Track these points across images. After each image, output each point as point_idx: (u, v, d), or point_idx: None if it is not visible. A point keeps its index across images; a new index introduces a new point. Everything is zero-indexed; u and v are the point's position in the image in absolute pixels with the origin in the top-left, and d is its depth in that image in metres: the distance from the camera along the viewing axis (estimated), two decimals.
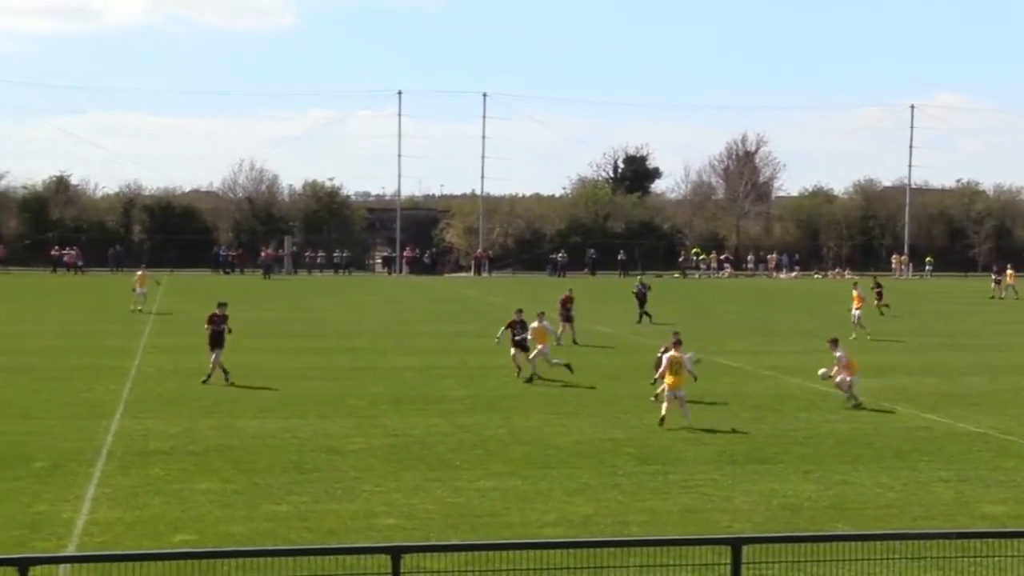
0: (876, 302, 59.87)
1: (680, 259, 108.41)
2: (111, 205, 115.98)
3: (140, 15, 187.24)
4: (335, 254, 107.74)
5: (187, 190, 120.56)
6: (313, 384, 34.07)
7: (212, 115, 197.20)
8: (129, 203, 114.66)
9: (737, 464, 23.92)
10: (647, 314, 54.97)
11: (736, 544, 10.16)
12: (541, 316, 37.01)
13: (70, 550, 17.50)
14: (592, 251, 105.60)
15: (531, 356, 35.11)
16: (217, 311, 34.01)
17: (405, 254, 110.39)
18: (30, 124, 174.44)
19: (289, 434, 26.34)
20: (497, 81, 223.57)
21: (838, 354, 30.66)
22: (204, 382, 32.95)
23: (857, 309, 50.14)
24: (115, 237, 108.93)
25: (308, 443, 25.38)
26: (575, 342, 44.42)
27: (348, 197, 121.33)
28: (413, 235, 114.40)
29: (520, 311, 36.96)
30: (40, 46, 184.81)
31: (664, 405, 27.69)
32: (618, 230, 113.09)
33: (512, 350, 35.65)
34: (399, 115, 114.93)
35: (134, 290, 59.15)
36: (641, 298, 55.82)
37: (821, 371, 31.53)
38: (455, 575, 14.69)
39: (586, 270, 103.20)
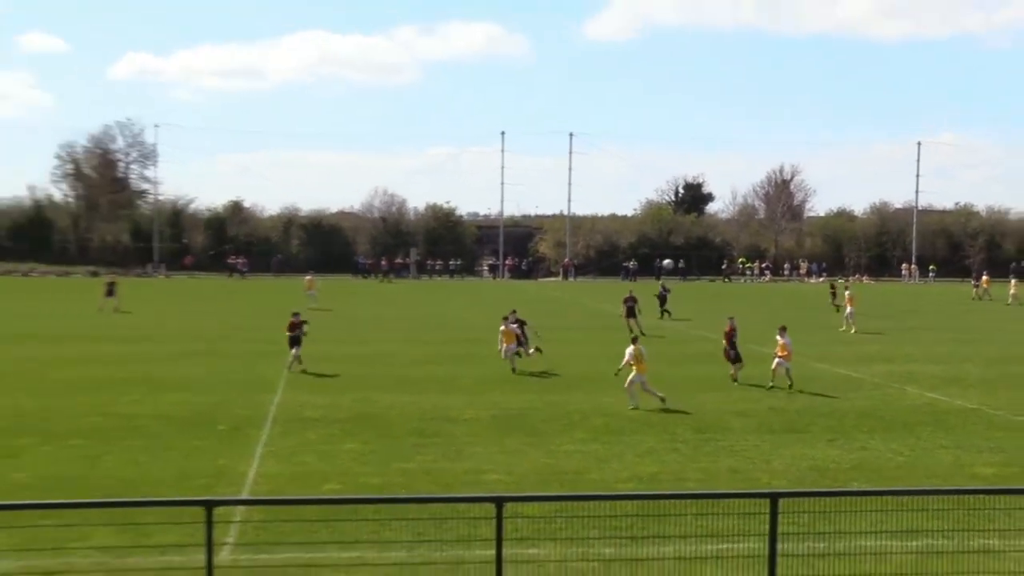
0: (830, 300, 60.57)
1: (723, 266, 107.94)
2: (274, 223, 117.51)
3: (300, 73, 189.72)
4: (450, 262, 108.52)
5: (334, 211, 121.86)
6: (433, 367, 34.25)
7: (354, 152, 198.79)
8: (288, 222, 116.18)
9: (774, 433, 23.73)
10: (667, 311, 54.58)
11: (774, 497, 10.11)
12: (507, 318, 34.93)
13: (244, 495, 17.81)
14: (665, 260, 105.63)
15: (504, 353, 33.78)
16: (293, 319, 33.24)
17: (506, 262, 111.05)
18: (213, 160, 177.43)
19: (414, 406, 26.51)
20: (581, 121, 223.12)
21: (783, 341, 29.88)
22: (289, 369, 32.16)
23: (849, 306, 49.36)
24: (277, 249, 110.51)
25: (429, 413, 25.54)
26: (642, 333, 44.19)
27: (461, 217, 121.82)
28: (513, 247, 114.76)
29: (514, 311, 35.65)
30: (222, 98, 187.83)
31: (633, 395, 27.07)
32: (679, 243, 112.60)
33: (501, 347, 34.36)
34: (502, 151, 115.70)
35: (306, 291, 59.89)
36: (662, 299, 55.27)
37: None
38: (546, 519, 14.74)
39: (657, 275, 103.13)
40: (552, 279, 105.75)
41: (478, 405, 26.83)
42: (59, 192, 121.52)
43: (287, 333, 33.19)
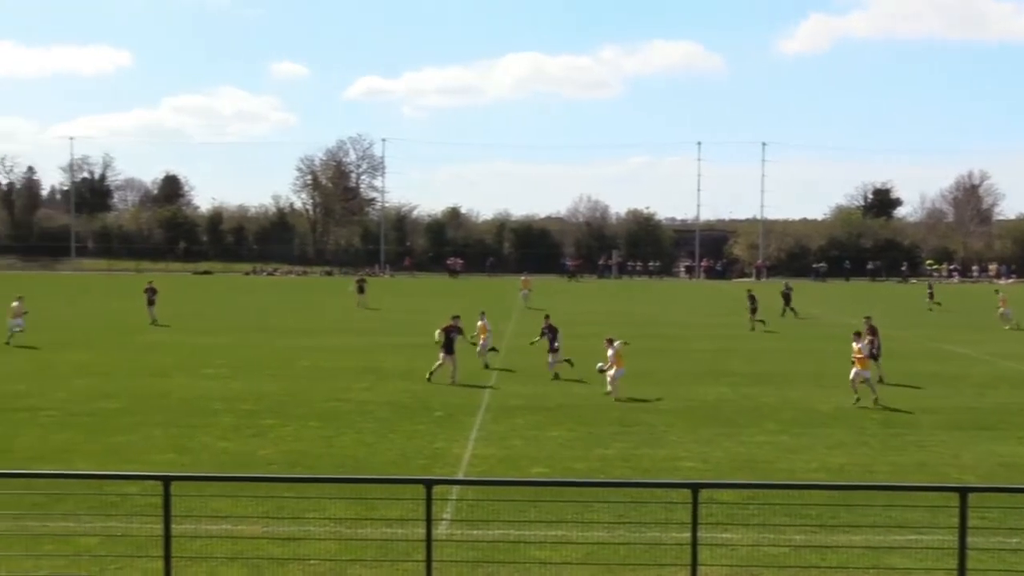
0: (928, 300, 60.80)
1: (903, 268, 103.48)
2: (488, 228, 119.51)
3: (514, 90, 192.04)
4: (649, 264, 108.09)
5: (542, 216, 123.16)
6: (632, 361, 34.04)
7: (561, 162, 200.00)
8: (501, 226, 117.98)
9: (963, 429, 22.63)
10: (792, 310, 53.35)
11: (963, 492, 9.65)
12: (482, 315, 34.14)
13: (460, 475, 18.07)
14: (820, 264, 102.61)
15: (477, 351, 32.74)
16: (452, 322, 30.47)
17: (702, 264, 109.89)
18: (434, 170, 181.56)
19: (614, 397, 26.44)
20: (773, 130, 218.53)
21: (857, 346, 26.61)
22: (427, 379, 28.88)
23: (1004, 308, 48.07)
24: (490, 251, 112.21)
25: (628, 404, 25.43)
26: (759, 324, 45.18)
27: (660, 221, 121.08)
28: (708, 249, 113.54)
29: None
30: (442, 114, 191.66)
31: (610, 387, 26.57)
32: (867, 246, 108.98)
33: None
34: (698, 159, 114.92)
35: (520, 291, 60.55)
36: (786, 297, 54.26)
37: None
38: (739, 506, 14.50)
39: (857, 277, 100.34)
40: (745, 279, 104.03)
41: (674, 397, 26.57)
42: (299, 201, 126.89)
43: (440, 335, 29.84)
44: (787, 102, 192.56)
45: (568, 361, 30.72)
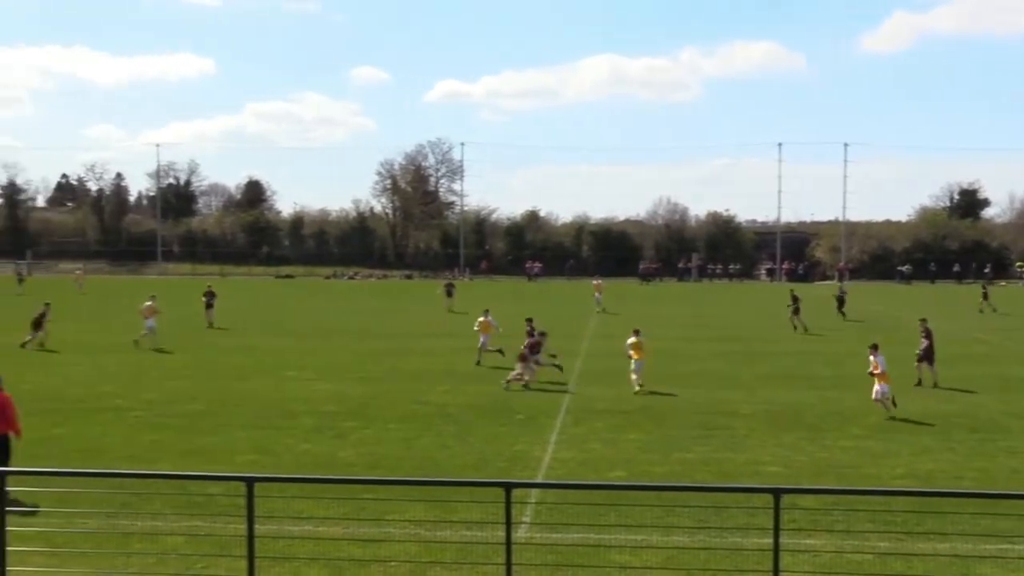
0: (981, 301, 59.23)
1: (986, 270, 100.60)
2: (567, 231, 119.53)
3: (592, 93, 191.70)
4: (729, 266, 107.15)
5: (621, 219, 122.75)
6: (712, 363, 33.85)
7: (640, 164, 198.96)
8: (580, 229, 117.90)
9: None
10: (843, 313, 53.00)
11: None
12: (486, 312, 34.99)
13: (539, 479, 18.09)
14: (905, 266, 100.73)
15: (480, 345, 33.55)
16: (529, 329, 31.62)
17: (783, 266, 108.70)
18: (512, 173, 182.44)
19: (695, 401, 26.26)
20: (855, 131, 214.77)
21: (875, 359, 24.87)
22: (525, 386, 28.26)
23: None
24: (569, 254, 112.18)
25: (709, 407, 25.23)
26: (806, 330, 44.71)
27: (740, 224, 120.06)
28: (790, 252, 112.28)
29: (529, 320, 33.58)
30: (521, 117, 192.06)
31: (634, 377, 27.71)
32: (953, 248, 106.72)
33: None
34: (779, 161, 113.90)
35: (594, 295, 60.36)
36: (840, 300, 54.11)
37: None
38: (822, 511, 14.30)
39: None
40: (827, 282, 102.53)
41: (756, 400, 26.29)
42: (379, 205, 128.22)
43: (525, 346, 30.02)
44: (870, 101, 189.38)
45: (558, 367, 30.46)
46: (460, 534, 13.51)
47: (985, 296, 59.80)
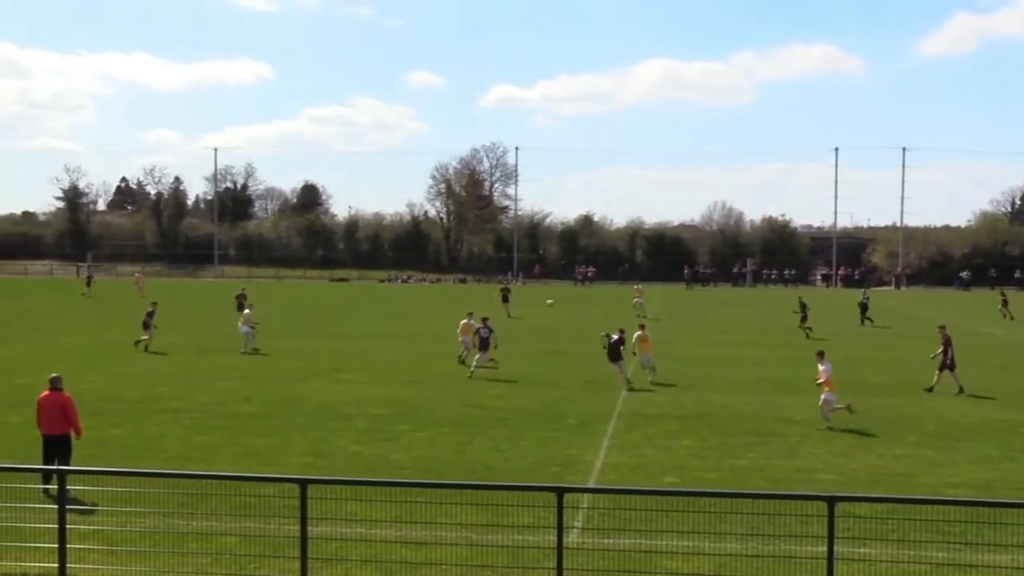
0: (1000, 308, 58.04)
1: (1015, 275, 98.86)
2: (621, 235, 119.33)
3: (647, 96, 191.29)
4: (785, 272, 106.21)
5: (675, 224, 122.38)
6: (767, 369, 33.60)
7: (694, 168, 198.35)
8: (634, 234, 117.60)
9: None
10: (869, 319, 52.59)
11: None
12: (469, 315, 35.10)
13: (591, 483, 18.07)
14: (964, 272, 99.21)
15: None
16: (476, 322, 33.53)
17: (839, 272, 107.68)
18: (566, 177, 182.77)
19: (749, 407, 26.10)
20: (914, 135, 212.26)
21: (822, 367, 24.26)
22: (470, 376, 31.13)
23: None
24: (623, 259, 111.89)
25: (763, 414, 25.05)
26: (807, 335, 42.91)
27: (796, 229, 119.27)
28: (846, 257, 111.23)
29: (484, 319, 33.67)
30: (575, 122, 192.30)
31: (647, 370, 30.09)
32: (1014, 254, 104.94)
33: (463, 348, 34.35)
34: (835, 166, 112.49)
35: (634, 300, 59.99)
36: (863, 307, 53.63)
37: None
38: (878, 520, 14.13)
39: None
40: (884, 288, 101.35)
41: (810, 407, 26.00)
42: (433, 209, 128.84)
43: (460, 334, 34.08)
44: (929, 105, 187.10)
45: (493, 361, 32.17)
46: (512, 538, 13.52)
47: (1004, 302, 58.31)
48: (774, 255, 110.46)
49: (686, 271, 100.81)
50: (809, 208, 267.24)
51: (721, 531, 13.45)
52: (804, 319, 46.85)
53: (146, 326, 38.41)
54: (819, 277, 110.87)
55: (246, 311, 40.46)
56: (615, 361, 29.78)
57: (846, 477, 18.58)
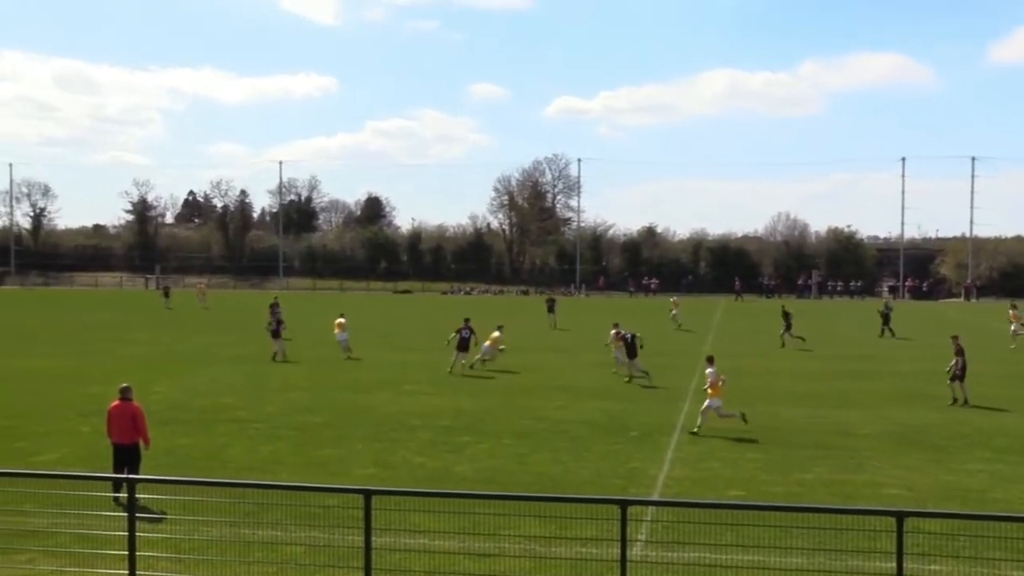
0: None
1: None
2: (684, 247, 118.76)
3: (711, 107, 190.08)
4: (851, 283, 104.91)
5: (739, 235, 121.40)
6: (831, 382, 33.18)
7: (759, 178, 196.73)
8: (697, 245, 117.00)
9: None
10: (890, 330, 51.89)
11: None
12: (466, 321, 37.05)
13: (655, 496, 17.95)
14: None
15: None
16: (463, 326, 36.09)
17: (907, 284, 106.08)
18: (629, 189, 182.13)
19: (814, 420, 25.79)
20: (984, 144, 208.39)
21: (709, 370, 24.71)
22: (450, 372, 34.53)
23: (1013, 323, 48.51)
24: (686, 270, 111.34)
25: (829, 427, 24.73)
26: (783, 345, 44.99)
27: (862, 240, 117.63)
28: (913, 268, 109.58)
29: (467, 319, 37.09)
30: (637, 133, 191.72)
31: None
32: None
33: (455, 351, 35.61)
34: (903, 176, 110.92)
35: (671, 312, 59.16)
36: (885, 317, 52.92)
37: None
38: (948, 536, 13.87)
39: None
40: (953, 300, 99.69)
41: (876, 420, 25.68)
42: (496, 220, 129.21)
43: (455, 335, 36.11)
44: (999, 113, 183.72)
45: (482, 360, 35.19)
46: (575, 551, 13.48)
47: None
48: (840, 266, 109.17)
49: (736, 283, 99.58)
50: (876, 219, 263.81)
51: (787, 546, 13.30)
52: (788, 328, 46.62)
53: (275, 335, 39.04)
54: (886, 289, 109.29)
55: (339, 319, 41.83)
56: (631, 359, 32.87)
57: (915, 492, 18.27)
